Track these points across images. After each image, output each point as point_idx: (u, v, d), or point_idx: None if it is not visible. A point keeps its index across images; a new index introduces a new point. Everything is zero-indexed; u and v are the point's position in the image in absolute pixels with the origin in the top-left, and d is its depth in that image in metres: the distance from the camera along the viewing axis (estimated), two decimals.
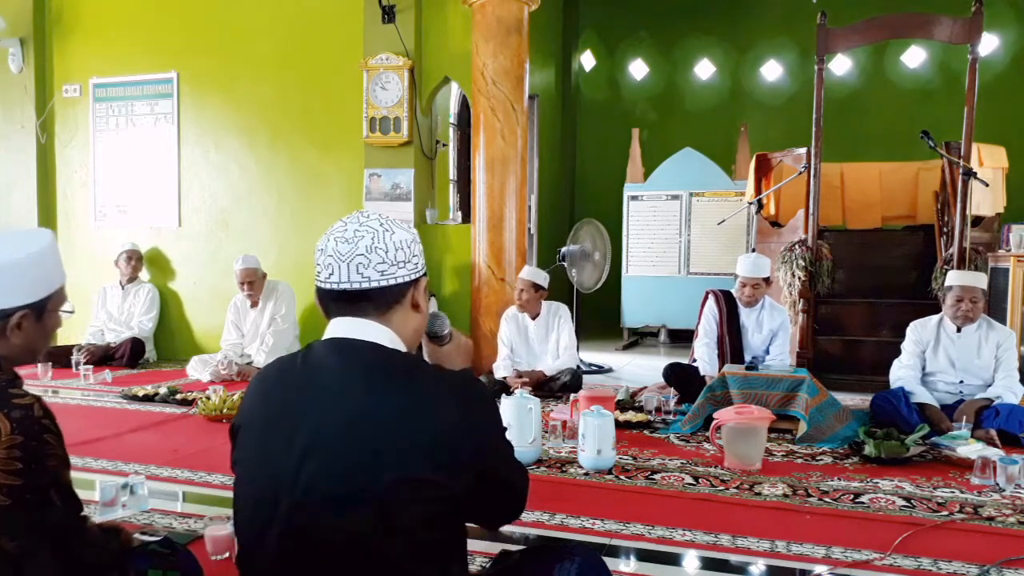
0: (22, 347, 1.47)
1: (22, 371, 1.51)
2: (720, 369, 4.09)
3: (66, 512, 1.40)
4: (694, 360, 4.50)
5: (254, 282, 5.33)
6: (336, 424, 1.17)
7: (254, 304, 5.43)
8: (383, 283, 1.26)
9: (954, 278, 3.87)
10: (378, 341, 1.26)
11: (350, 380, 1.21)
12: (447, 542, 1.22)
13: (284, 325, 5.35)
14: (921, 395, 3.78)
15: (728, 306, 4.44)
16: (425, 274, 1.36)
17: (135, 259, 6.05)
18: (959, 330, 3.85)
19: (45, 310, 1.49)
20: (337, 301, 1.28)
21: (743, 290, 4.33)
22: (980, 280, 3.83)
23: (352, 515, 1.14)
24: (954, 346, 3.86)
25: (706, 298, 4.57)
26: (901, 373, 3.92)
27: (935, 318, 3.98)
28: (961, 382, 3.85)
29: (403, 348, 1.31)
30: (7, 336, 1.44)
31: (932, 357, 3.92)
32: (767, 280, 4.36)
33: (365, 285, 1.25)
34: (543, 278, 4.81)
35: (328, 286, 1.27)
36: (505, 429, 1.32)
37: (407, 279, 1.29)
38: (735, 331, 4.41)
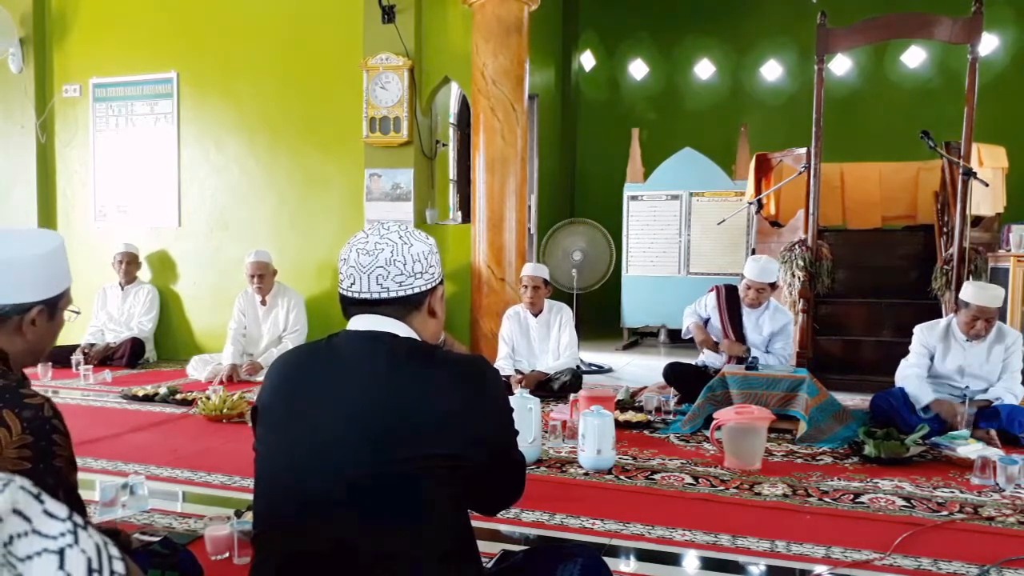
0: (33, 344, 1.48)
1: (53, 403, 1.50)
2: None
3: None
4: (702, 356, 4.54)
5: (264, 276, 5.32)
6: (361, 403, 1.23)
7: (263, 302, 5.42)
8: (401, 293, 1.32)
9: (972, 296, 3.65)
10: (396, 332, 1.32)
11: (374, 363, 1.27)
12: (461, 517, 1.30)
13: (302, 335, 5.38)
14: (924, 396, 3.71)
15: (731, 302, 4.44)
16: (442, 282, 1.42)
17: (126, 262, 5.99)
18: (970, 339, 3.76)
19: (57, 308, 1.51)
20: (358, 306, 1.34)
21: (747, 292, 4.32)
22: (997, 299, 3.65)
23: (374, 490, 1.19)
24: (964, 354, 3.79)
25: (711, 291, 4.59)
26: (908, 371, 3.86)
27: (943, 323, 3.89)
28: (967, 387, 3.81)
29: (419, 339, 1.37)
30: (22, 331, 1.45)
31: (940, 362, 3.84)
32: (773, 285, 4.35)
33: (384, 295, 1.32)
34: (547, 273, 4.84)
35: (350, 294, 1.35)
36: (512, 410, 1.38)
37: (424, 288, 1.36)
38: (737, 328, 4.40)
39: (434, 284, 1.38)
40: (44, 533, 0.65)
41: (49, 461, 1.33)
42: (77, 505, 1.44)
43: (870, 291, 5.50)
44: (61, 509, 0.68)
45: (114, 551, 0.70)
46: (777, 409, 3.57)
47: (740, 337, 4.41)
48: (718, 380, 3.83)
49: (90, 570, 0.66)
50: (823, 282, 5.10)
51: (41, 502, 0.67)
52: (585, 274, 7.62)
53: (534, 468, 3.07)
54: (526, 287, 4.73)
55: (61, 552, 0.65)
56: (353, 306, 1.35)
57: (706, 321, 4.56)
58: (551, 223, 8.05)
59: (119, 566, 0.70)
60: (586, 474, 3.04)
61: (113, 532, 1.75)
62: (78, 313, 1.62)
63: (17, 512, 0.65)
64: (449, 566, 1.23)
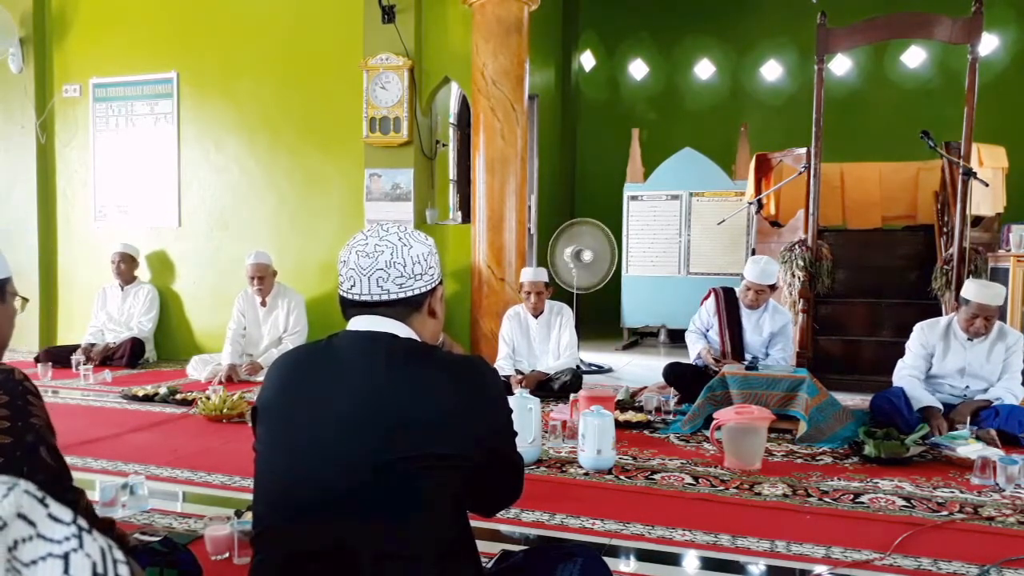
0: None
1: (23, 371, 1.51)
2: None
3: (59, 469, 1.43)
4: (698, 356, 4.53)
5: (264, 278, 5.31)
6: (360, 403, 1.23)
7: (263, 303, 5.42)
8: (401, 295, 1.33)
9: (973, 293, 3.64)
10: (396, 333, 1.33)
11: (374, 363, 1.27)
12: (459, 517, 1.30)
13: (303, 337, 5.36)
14: (924, 399, 3.70)
15: (729, 305, 4.44)
16: (441, 282, 1.42)
17: (120, 262, 5.95)
18: (971, 338, 3.76)
19: (6, 291, 1.52)
20: (358, 307, 1.35)
21: (747, 293, 4.32)
22: (998, 298, 3.64)
23: (374, 489, 1.19)
24: (965, 354, 3.77)
25: (708, 295, 4.58)
26: (902, 373, 3.86)
27: (943, 322, 3.88)
28: (967, 387, 3.82)
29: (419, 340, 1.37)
30: None
31: (940, 362, 3.83)
32: (772, 287, 4.34)
33: (384, 297, 1.33)
34: (546, 275, 4.85)
35: (350, 296, 1.35)
36: (511, 411, 1.39)
37: (423, 290, 1.36)
38: (736, 330, 4.40)
39: (434, 285, 1.38)
40: (49, 537, 0.65)
41: (27, 419, 1.36)
42: (63, 464, 1.45)
43: (870, 291, 5.50)
44: (66, 513, 0.68)
45: (119, 555, 0.70)
46: (777, 409, 3.57)
47: (740, 339, 4.40)
48: (718, 380, 3.83)
49: (95, 574, 0.66)
50: (823, 282, 5.10)
51: (46, 506, 0.67)
52: (589, 274, 7.61)
53: (534, 468, 3.07)
54: (528, 293, 4.72)
55: (66, 556, 0.65)
56: (353, 307, 1.35)
57: (706, 331, 4.55)
58: (551, 223, 8.05)
59: (124, 570, 0.70)
60: (586, 474, 3.04)
61: (108, 522, 1.74)
62: (26, 300, 1.64)
63: (22, 516, 0.64)
64: (448, 565, 1.23)
